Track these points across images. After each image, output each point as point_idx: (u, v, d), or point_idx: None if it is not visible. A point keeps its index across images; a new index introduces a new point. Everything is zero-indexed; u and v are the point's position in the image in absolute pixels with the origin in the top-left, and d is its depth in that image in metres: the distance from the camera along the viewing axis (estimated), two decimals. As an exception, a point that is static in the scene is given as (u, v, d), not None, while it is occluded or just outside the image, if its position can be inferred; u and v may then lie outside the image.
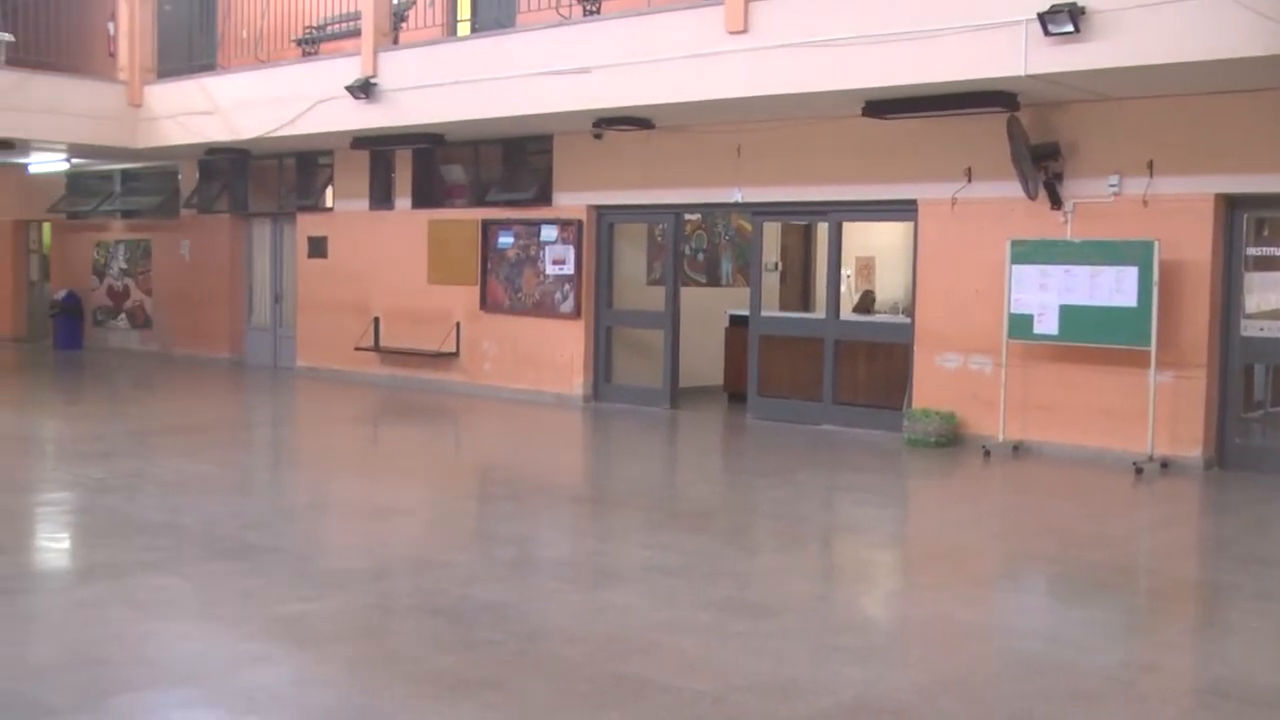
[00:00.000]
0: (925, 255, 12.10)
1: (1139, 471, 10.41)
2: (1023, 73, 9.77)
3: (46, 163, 20.53)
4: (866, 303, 15.38)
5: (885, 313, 14.96)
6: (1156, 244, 10.39)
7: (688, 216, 14.96)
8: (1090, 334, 10.82)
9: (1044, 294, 10.99)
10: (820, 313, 13.73)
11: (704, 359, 15.20)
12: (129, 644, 5.53)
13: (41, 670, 5.16)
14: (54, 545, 7.96)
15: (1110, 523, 8.89)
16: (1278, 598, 6.82)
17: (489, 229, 15.62)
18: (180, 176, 20.12)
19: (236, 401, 15.93)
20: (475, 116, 13.64)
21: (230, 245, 19.47)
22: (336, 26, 16.49)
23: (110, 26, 18.61)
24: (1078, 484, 10.18)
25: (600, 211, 14.74)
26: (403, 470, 10.78)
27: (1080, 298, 10.80)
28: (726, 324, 15.11)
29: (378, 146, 15.95)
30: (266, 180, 18.87)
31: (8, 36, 16.70)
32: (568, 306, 14.81)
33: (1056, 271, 10.90)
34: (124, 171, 21.10)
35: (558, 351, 14.94)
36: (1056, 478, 10.47)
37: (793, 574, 7.37)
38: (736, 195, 13.39)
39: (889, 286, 16.12)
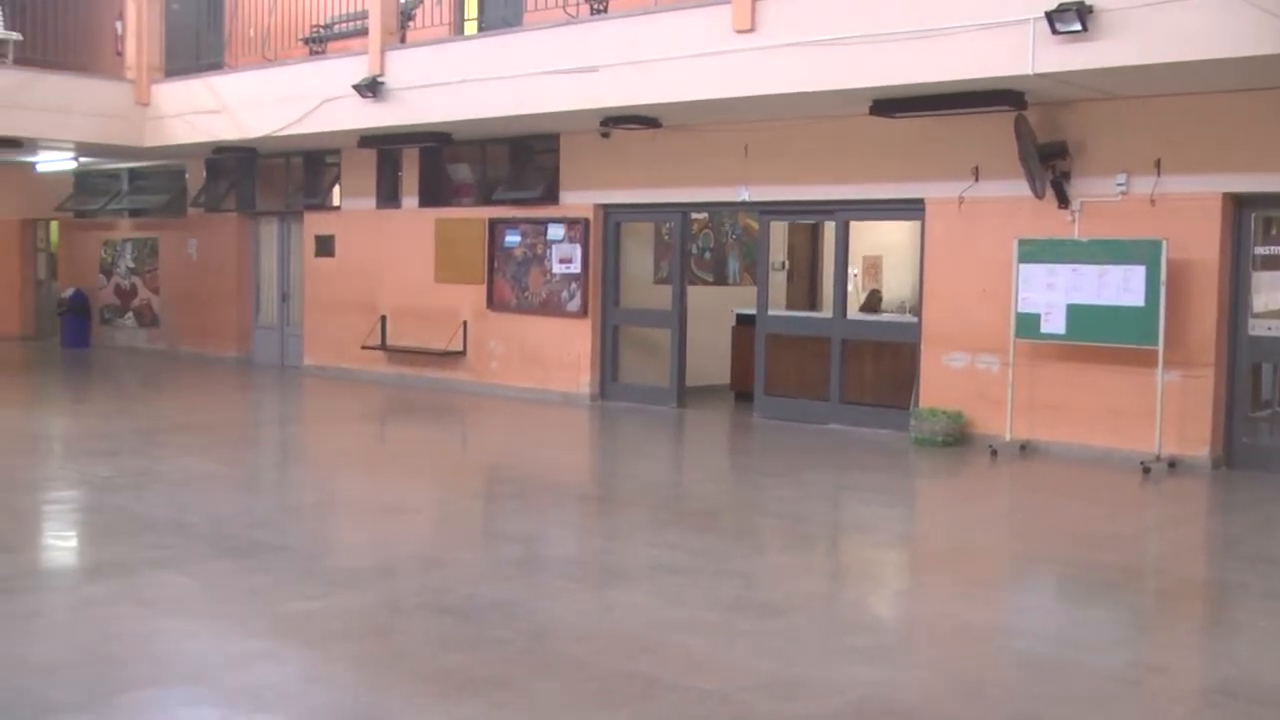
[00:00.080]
0: (932, 254, 12.09)
1: (1146, 471, 10.40)
2: (1030, 71, 9.76)
3: (54, 161, 20.56)
4: (873, 302, 15.38)
5: (892, 312, 14.95)
6: (1164, 243, 10.37)
7: (695, 215, 14.95)
8: (1098, 333, 10.80)
9: (1051, 293, 10.97)
10: (827, 312, 13.72)
11: (711, 358, 15.19)
12: (136, 642, 5.54)
13: (49, 667, 5.16)
14: (61, 543, 7.97)
15: (1118, 522, 8.88)
16: (1286, 597, 6.81)
17: (496, 228, 15.63)
18: (187, 175, 20.15)
19: (243, 400, 15.94)
20: (482, 115, 13.64)
21: (237, 244, 19.49)
22: (343, 25, 16.49)
23: (118, 25, 18.64)
24: (1085, 484, 10.17)
25: (607, 210, 14.74)
26: (410, 469, 10.78)
27: (1088, 297, 10.78)
28: (733, 323, 15.10)
29: (385, 145, 15.96)
30: (274, 179, 18.89)
31: (16, 36, 16.72)
32: (574, 305, 14.81)
33: (1064, 270, 10.89)
34: (131, 170, 21.13)
35: (564, 350, 14.94)
36: (1064, 477, 10.45)
37: (800, 573, 7.36)
38: (743, 194, 13.39)
39: (896, 285, 16.12)
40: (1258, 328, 10.57)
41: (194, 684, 5.01)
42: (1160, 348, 10.43)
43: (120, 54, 18.41)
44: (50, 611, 6.12)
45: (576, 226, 14.76)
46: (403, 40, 14.90)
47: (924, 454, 11.41)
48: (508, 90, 13.18)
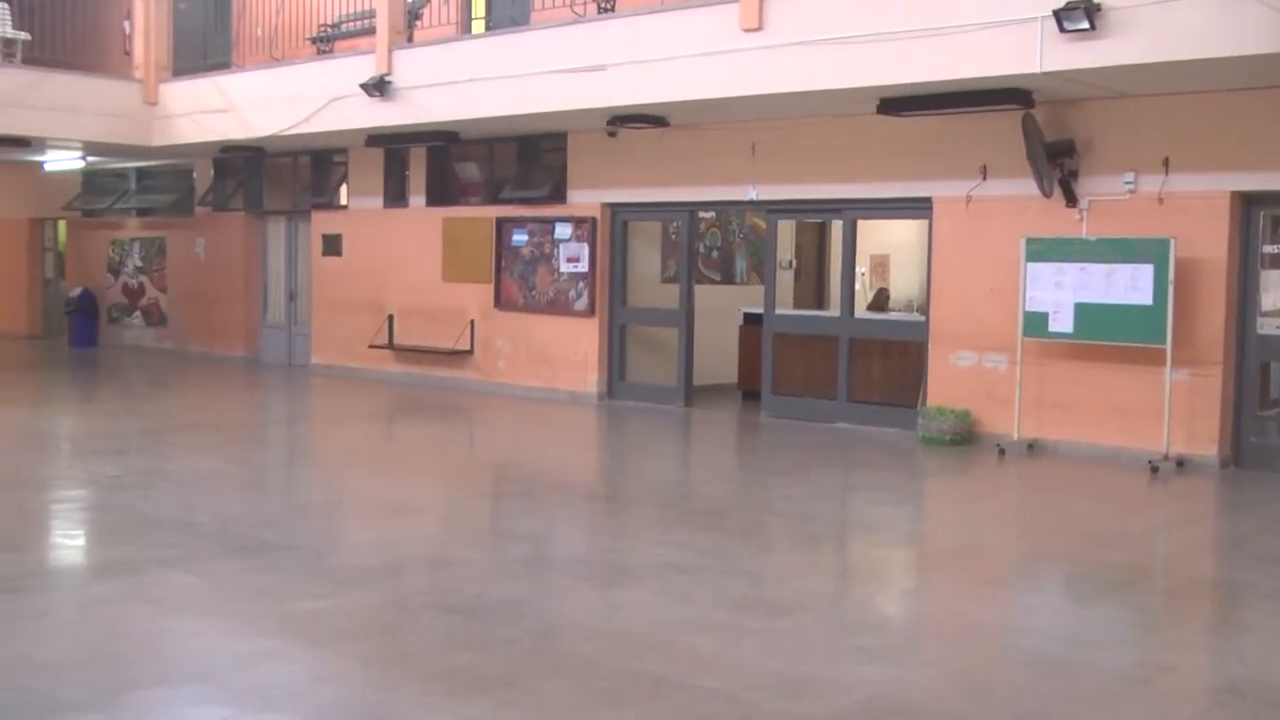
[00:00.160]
0: (940, 253, 12.08)
1: (1154, 470, 10.38)
2: (1038, 70, 9.74)
3: (62, 161, 20.59)
4: (881, 300, 15.36)
5: (900, 310, 14.95)
6: (1172, 241, 10.35)
7: (702, 214, 14.94)
8: (1105, 332, 10.78)
9: (1059, 292, 10.96)
10: (835, 310, 13.71)
11: (718, 357, 15.19)
12: (143, 641, 5.54)
13: (56, 666, 5.17)
14: (69, 542, 7.99)
15: (1126, 521, 8.86)
16: (1295, 597, 6.80)
17: (503, 227, 15.63)
18: (195, 174, 20.17)
19: (251, 399, 15.97)
20: (489, 114, 13.64)
21: (245, 243, 19.51)
22: (351, 25, 16.50)
23: (126, 25, 18.67)
24: (1093, 483, 10.15)
25: (614, 209, 14.74)
26: (417, 468, 10.79)
27: (1095, 295, 10.77)
28: (741, 322, 15.10)
29: (392, 144, 15.97)
30: (281, 178, 18.90)
31: (24, 35, 16.76)
32: (582, 304, 14.82)
33: (1072, 269, 10.87)
34: (139, 169, 21.15)
35: (572, 349, 14.94)
36: (1071, 476, 10.44)
37: (807, 572, 7.36)
38: (751, 193, 13.38)
39: (903, 284, 16.10)
40: (1266, 326, 10.55)
41: (201, 683, 5.02)
42: (1168, 346, 10.41)
43: (128, 53, 18.44)
44: (58, 610, 6.14)
45: (584, 225, 14.76)
46: (410, 39, 14.91)
47: (931, 453, 11.39)
48: (515, 89, 13.19)
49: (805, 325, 13.68)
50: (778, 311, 13.70)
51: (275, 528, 7.90)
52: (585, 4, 13.35)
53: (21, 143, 17.18)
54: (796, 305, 15.43)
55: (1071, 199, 11.07)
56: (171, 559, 6.96)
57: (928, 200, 12.09)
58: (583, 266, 14.77)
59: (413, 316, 16.69)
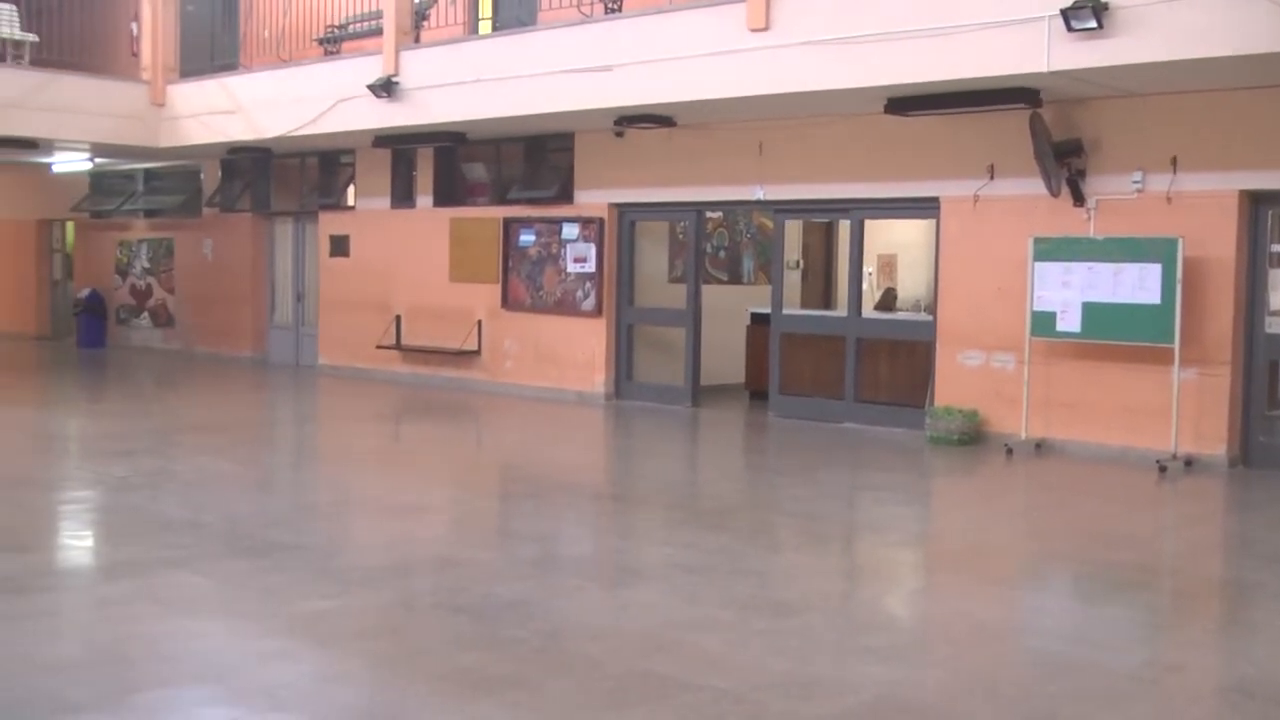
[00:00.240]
0: (947, 253, 12.06)
1: (1163, 470, 10.36)
2: (1045, 69, 9.73)
3: (70, 162, 20.65)
4: (888, 300, 15.34)
5: (907, 310, 14.93)
6: (1180, 241, 10.33)
7: (709, 214, 14.94)
8: (1113, 331, 10.76)
9: (1067, 291, 10.94)
10: (842, 310, 13.70)
11: (725, 357, 15.18)
12: (151, 641, 5.55)
13: (64, 667, 5.18)
14: (77, 543, 8.00)
15: (1134, 521, 8.85)
16: (1304, 597, 6.78)
17: (510, 227, 15.64)
18: (203, 176, 20.20)
19: (258, 400, 15.99)
20: (497, 115, 13.65)
21: (252, 244, 19.54)
22: (358, 25, 16.52)
23: (133, 27, 18.72)
24: (1101, 482, 10.13)
25: (621, 209, 14.74)
26: (425, 468, 10.80)
27: (1103, 295, 10.75)
28: (748, 322, 15.09)
29: (399, 145, 15.99)
30: (288, 179, 18.93)
31: (32, 37, 16.79)
32: (589, 304, 14.82)
33: (1079, 268, 10.85)
34: (147, 171, 21.20)
35: (579, 349, 14.95)
36: (1079, 476, 10.42)
37: (815, 572, 7.35)
38: (758, 193, 13.37)
39: (911, 284, 16.08)
40: (1274, 325, 10.52)
41: (209, 683, 5.02)
42: (1176, 346, 10.39)
43: (135, 55, 18.49)
44: (66, 611, 6.14)
45: (591, 225, 14.76)
46: (417, 40, 14.93)
47: (939, 453, 11.38)
48: (522, 90, 13.19)
49: (813, 325, 13.66)
50: (785, 311, 13.70)
51: (283, 528, 7.90)
52: (592, 4, 13.36)
53: (29, 144, 17.22)
54: (804, 305, 15.42)
55: (1079, 198, 11.06)
56: (179, 559, 6.97)
57: (935, 200, 12.08)
58: (590, 267, 14.77)
59: (420, 317, 16.70)
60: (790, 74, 11.09)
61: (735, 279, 16.43)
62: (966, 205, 11.81)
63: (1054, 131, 11.01)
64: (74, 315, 22.24)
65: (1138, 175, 10.78)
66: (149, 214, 21.32)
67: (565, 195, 15.08)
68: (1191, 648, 5.94)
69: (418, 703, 4.83)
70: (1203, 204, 10.47)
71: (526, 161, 15.66)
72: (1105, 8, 9.21)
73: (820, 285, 16.74)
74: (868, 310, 13.62)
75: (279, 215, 19.24)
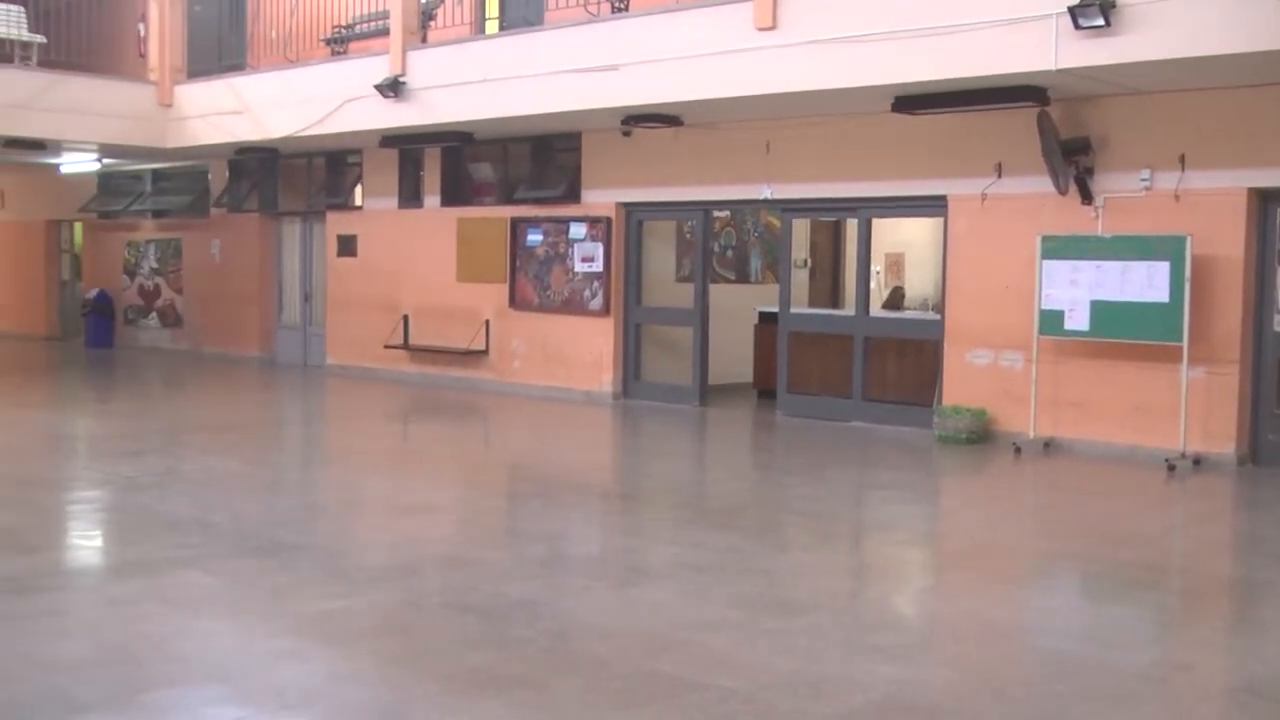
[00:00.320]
0: (955, 251, 12.05)
1: (1171, 468, 10.34)
2: (1053, 67, 9.71)
3: (78, 163, 20.68)
4: (896, 299, 15.33)
5: (915, 309, 14.92)
6: (1189, 239, 10.31)
7: (717, 213, 14.93)
8: (1122, 330, 10.74)
9: (1075, 289, 10.92)
10: (850, 309, 13.69)
11: (733, 356, 15.18)
12: (160, 641, 5.56)
13: (73, 666, 5.18)
14: (86, 543, 8.01)
15: (1142, 520, 8.83)
16: (1313, 595, 6.76)
17: (518, 227, 15.64)
18: (210, 176, 20.23)
19: (266, 400, 16.01)
20: (504, 114, 13.66)
21: (260, 244, 19.56)
22: (365, 26, 16.53)
23: (140, 27, 18.74)
24: (1110, 481, 10.12)
25: (629, 209, 14.74)
26: (432, 468, 10.80)
27: (1111, 293, 10.73)
28: (756, 321, 15.09)
29: (406, 145, 16.00)
30: (296, 179, 18.95)
31: (40, 38, 16.82)
32: (597, 304, 14.82)
33: (1087, 267, 10.83)
34: (154, 171, 21.22)
35: (587, 349, 14.95)
36: (1088, 475, 10.40)
37: (823, 571, 7.34)
38: (765, 192, 13.37)
39: (919, 283, 16.07)
40: (1284, 323, 10.51)
41: (217, 683, 5.03)
42: (1185, 344, 10.37)
43: (143, 56, 18.51)
44: (75, 610, 6.15)
45: (598, 225, 14.76)
46: (424, 40, 14.93)
47: (947, 451, 11.37)
48: (529, 89, 13.19)
49: (820, 324, 13.66)
50: (793, 310, 13.69)
51: (291, 528, 7.92)
52: (599, 4, 13.35)
53: (38, 145, 17.26)
54: (812, 304, 15.41)
55: (1087, 196, 11.04)
56: (188, 559, 6.98)
57: (943, 198, 12.07)
58: (597, 266, 14.77)
59: (427, 317, 16.72)
60: (797, 73, 11.08)
61: (743, 278, 16.42)
62: (974, 204, 11.79)
63: (1062, 129, 10.99)
64: (82, 315, 22.30)
65: (1146, 173, 10.76)
66: (157, 214, 21.34)
67: (572, 195, 15.09)
68: (1200, 647, 5.92)
69: (426, 702, 4.84)
70: (1211, 202, 10.45)
71: (534, 161, 15.67)
72: (1113, 5, 9.20)
73: (828, 284, 16.73)
74: (875, 309, 13.61)
75: (286, 215, 19.27)
